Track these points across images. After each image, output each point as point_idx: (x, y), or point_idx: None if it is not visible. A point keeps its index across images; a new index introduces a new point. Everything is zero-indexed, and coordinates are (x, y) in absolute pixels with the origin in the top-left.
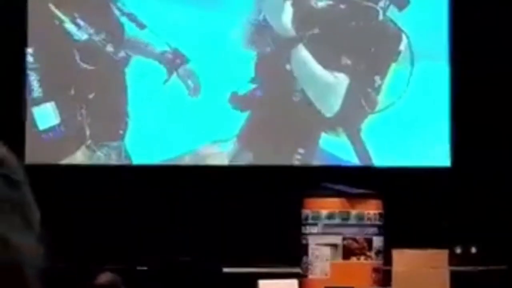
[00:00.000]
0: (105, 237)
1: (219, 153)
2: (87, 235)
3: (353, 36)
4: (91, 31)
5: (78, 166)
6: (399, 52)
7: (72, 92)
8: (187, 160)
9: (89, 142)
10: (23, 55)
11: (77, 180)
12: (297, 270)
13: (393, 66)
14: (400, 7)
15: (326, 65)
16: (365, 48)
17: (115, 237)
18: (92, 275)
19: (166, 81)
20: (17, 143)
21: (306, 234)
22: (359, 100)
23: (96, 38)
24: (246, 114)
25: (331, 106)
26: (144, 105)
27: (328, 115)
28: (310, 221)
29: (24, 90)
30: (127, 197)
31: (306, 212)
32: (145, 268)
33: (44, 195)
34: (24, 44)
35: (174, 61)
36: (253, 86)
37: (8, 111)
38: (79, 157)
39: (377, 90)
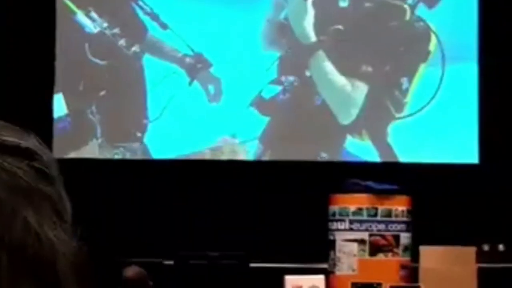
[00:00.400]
0: (132, 231)
1: (242, 153)
2: (114, 229)
3: (378, 36)
4: (105, 25)
5: (98, 160)
6: (428, 52)
7: (81, 87)
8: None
9: (100, 140)
10: (51, 50)
11: (101, 174)
12: (324, 266)
13: (423, 67)
14: (430, 5)
15: (345, 73)
16: (391, 49)
17: (143, 231)
18: (119, 268)
19: (188, 84)
20: (44, 137)
21: (333, 230)
22: (384, 103)
23: (109, 32)
24: (268, 117)
25: (348, 115)
26: (164, 108)
27: (344, 122)
28: (337, 217)
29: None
30: (154, 192)
31: (333, 208)
32: (171, 262)
33: (71, 187)
34: (51, 36)
35: (195, 66)
36: (276, 89)
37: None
38: (87, 153)
39: (405, 92)
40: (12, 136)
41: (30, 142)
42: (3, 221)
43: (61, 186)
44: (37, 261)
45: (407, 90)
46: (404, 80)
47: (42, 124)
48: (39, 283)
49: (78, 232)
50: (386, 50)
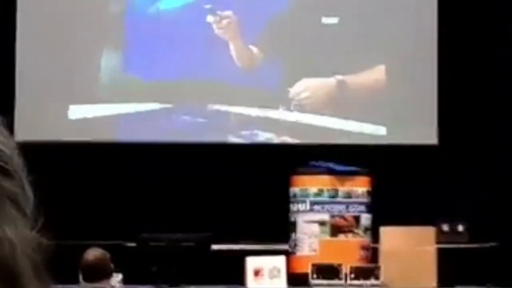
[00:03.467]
0: (93, 213)
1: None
2: (75, 211)
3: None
4: None
5: (59, 142)
6: None
7: None
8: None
9: None
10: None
11: (62, 156)
12: (285, 247)
13: None
14: None
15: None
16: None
17: (104, 213)
18: (81, 251)
19: None
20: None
21: (294, 212)
22: None
23: None
24: None
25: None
26: None
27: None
28: (298, 198)
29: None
30: (116, 174)
31: (294, 189)
32: (133, 244)
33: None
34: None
35: None
36: None
37: None
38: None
39: None
40: None
41: None
42: None
43: (24, 176)
44: None
45: None
46: None
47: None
48: None
49: (40, 220)
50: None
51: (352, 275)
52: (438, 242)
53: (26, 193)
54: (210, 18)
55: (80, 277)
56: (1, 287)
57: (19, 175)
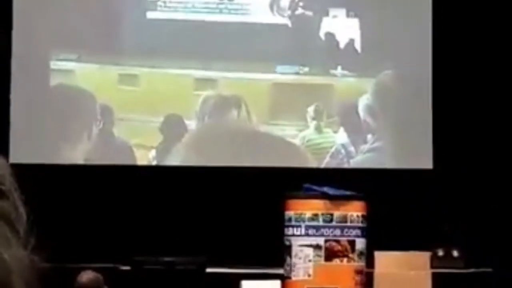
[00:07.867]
0: (87, 236)
1: None
2: (69, 234)
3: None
4: None
5: (52, 165)
6: None
7: None
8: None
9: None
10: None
11: (55, 179)
12: (280, 271)
13: None
14: None
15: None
16: None
17: (98, 236)
18: (75, 274)
19: None
20: None
21: (289, 235)
22: None
23: None
24: None
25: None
26: None
27: None
28: (293, 222)
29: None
30: (110, 196)
31: (289, 213)
32: (127, 267)
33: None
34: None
35: None
36: None
37: None
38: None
39: None
40: None
41: None
42: None
43: (17, 199)
44: None
45: None
46: None
47: None
48: None
49: (33, 240)
50: None
51: None
52: (432, 267)
53: (19, 213)
54: None
55: None
56: None
57: (12, 195)
